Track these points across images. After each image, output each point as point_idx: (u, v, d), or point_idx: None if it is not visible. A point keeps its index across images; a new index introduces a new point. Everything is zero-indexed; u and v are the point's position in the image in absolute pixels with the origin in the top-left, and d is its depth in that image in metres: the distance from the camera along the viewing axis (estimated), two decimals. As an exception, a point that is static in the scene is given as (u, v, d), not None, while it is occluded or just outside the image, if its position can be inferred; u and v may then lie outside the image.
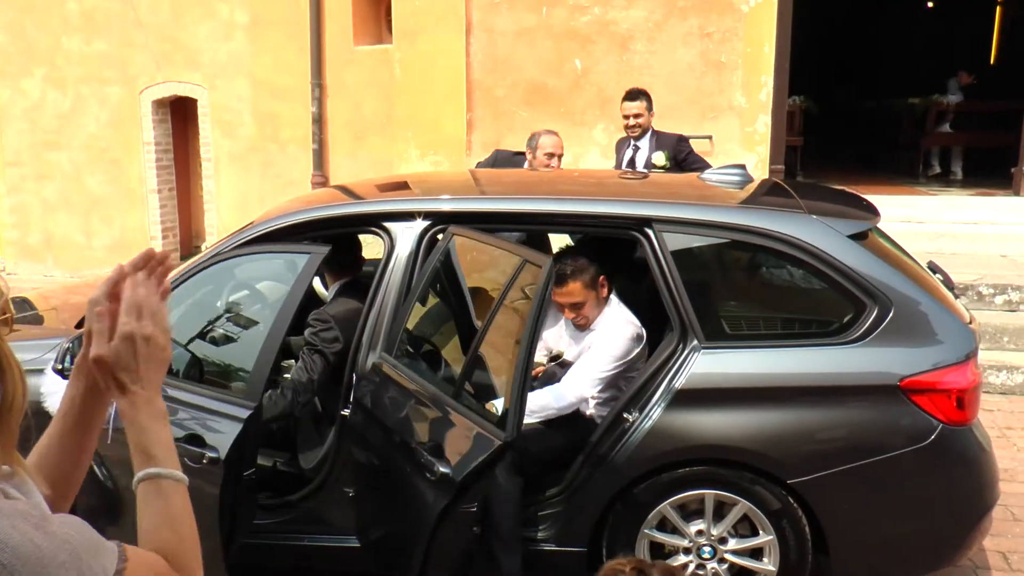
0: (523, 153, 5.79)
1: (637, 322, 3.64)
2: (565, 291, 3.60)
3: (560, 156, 5.61)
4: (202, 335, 3.79)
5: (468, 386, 2.98)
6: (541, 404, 3.46)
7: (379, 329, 3.39)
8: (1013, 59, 13.09)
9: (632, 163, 5.94)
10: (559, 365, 3.83)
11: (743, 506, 3.21)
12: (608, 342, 3.55)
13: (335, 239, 4.02)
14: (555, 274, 3.20)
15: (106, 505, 3.37)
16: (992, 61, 14.54)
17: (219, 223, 10.04)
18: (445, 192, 3.92)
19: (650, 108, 5.96)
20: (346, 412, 3.37)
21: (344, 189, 4.35)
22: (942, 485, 3.21)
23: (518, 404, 2.63)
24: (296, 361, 4.20)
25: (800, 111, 11.15)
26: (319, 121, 9.50)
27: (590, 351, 3.59)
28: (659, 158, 5.79)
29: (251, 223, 3.86)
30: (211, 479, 2.96)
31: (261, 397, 3.16)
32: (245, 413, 3.06)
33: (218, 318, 3.96)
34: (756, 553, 3.28)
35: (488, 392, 3.09)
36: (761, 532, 3.23)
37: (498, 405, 3.00)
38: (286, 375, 4.26)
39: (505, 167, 5.73)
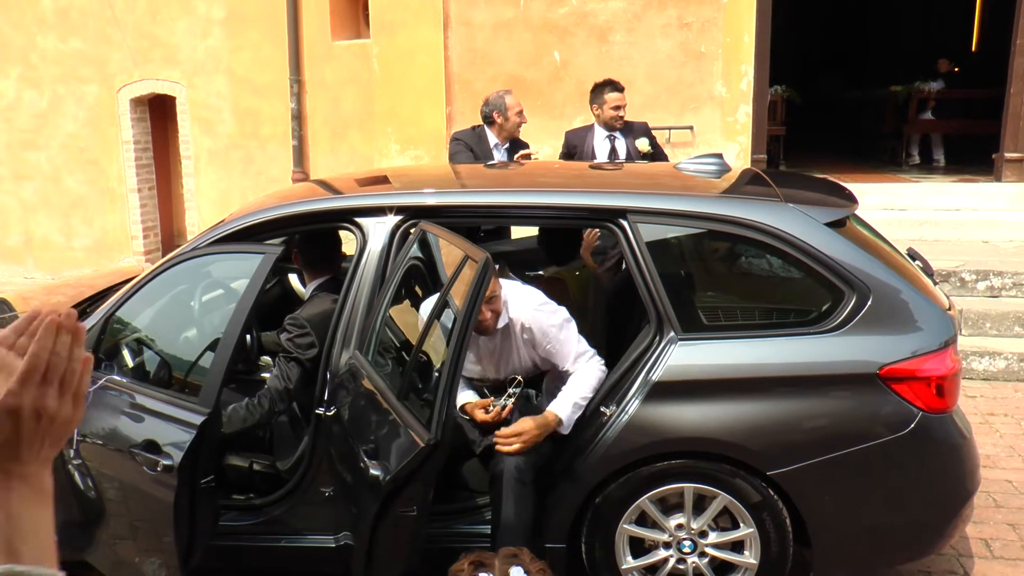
0: (480, 126, 5.80)
1: (532, 293, 3.44)
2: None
3: (523, 111, 5.86)
4: (171, 336, 3.74)
5: (417, 385, 2.90)
6: (586, 391, 3.26)
7: (352, 326, 3.34)
8: (994, 46, 13.11)
9: (613, 152, 5.91)
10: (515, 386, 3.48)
11: (723, 499, 3.17)
12: (552, 329, 3.34)
13: (312, 236, 3.98)
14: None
15: (83, 520, 3.32)
16: (973, 48, 14.54)
17: (200, 221, 9.95)
18: (426, 186, 3.87)
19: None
20: (321, 411, 3.32)
21: (323, 184, 4.29)
22: (923, 473, 3.18)
23: (443, 404, 2.53)
24: (272, 359, 4.15)
25: (783, 100, 11.14)
26: (298, 117, 9.43)
27: (554, 346, 3.36)
28: (643, 144, 5.86)
29: (222, 220, 3.80)
30: (166, 486, 2.92)
31: (216, 403, 3.09)
32: (199, 419, 3.01)
33: (188, 318, 3.91)
34: (737, 546, 3.24)
35: (423, 392, 2.94)
36: (742, 525, 3.19)
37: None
38: (264, 374, 4.21)
39: (474, 143, 5.71)
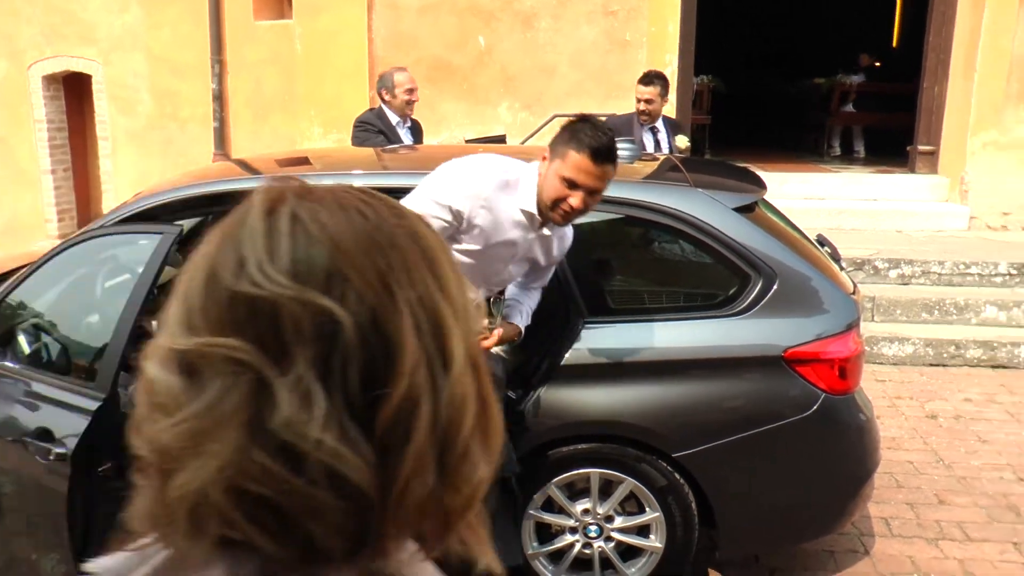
0: (379, 106, 5.76)
1: None
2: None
3: (416, 90, 5.70)
4: (71, 321, 3.61)
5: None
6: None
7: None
8: (914, 42, 13.44)
9: (658, 146, 5.75)
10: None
11: (629, 484, 3.18)
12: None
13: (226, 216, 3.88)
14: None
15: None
16: (894, 44, 14.89)
17: (118, 204, 9.67)
18: (347, 167, 3.80)
19: (664, 95, 5.75)
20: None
21: (242, 163, 4.20)
22: (825, 454, 3.24)
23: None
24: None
25: (708, 90, 11.25)
26: (220, 98, 9.21)
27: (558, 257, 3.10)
28: (682, 141, 5.73)
29: (125, 202, 3.68)
30: (61, 476, 2.82)
31: (113, 387, 2.99)
32: (95, 405, 2.91)
33: (89, 302, 3.77)
34: (643, 530, 3.26)
35: None
36: (647, 509, 3.21)
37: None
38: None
39: (381, 125, 5.61)
